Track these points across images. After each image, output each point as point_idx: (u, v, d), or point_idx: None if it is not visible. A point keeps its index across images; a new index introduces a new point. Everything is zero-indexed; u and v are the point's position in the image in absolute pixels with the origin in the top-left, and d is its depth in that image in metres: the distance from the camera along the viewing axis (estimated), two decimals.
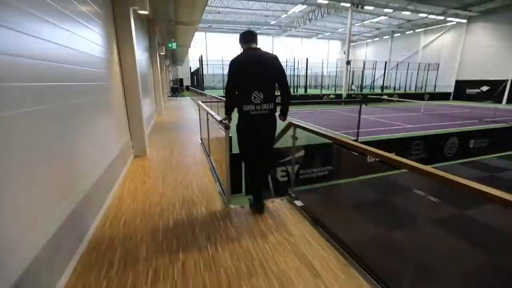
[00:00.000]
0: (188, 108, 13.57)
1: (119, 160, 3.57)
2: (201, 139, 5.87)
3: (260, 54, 2.30)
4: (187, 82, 34.03)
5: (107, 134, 3.16)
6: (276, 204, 2.83)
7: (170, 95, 22.43)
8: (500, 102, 25.65)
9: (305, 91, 25.68)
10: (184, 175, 3.70)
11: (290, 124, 2.77)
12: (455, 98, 29.55)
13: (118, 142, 3.62)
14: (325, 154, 6.21)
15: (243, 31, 2.41)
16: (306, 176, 6.09)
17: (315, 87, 33.85)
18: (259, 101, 2.27)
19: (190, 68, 32.20)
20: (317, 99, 24.06)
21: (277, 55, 2.40)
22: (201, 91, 14.85)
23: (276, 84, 2.40)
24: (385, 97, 25.38)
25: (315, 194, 5.70)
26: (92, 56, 2.92)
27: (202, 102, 5.47)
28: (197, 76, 23.90)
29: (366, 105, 24.74)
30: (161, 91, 11.88)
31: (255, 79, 2.25)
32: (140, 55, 6.62)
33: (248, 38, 2.34)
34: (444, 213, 5.03)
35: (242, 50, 2.43)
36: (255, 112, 2.29)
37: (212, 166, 4.03)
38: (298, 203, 2.82)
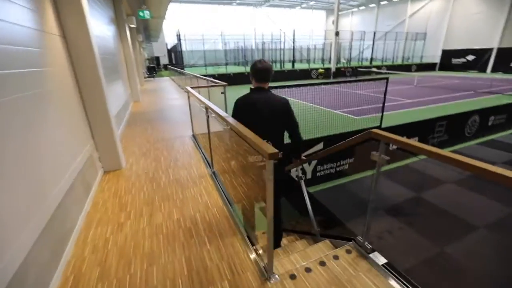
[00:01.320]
0: (169, 91, 11.89)
1: (77, 191, 2.28)
2: (193, 135, 4.57)
3: (268, 97, 2.02)
4: (164, 60, 31.23)
5: (48, 157, 1.85)
6: (343, 263, 1.73)
7: (146, 75, 20.20)
8: (484, 71, 25.61)
9: (293, 66, 24.15)
10: (182, 205, 2.48)
11: (372, 135, 1.58)
12: (441, 68, 29.26)
13: (73, 162, 2.30)
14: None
15: (258, 61, 2.01)
16: (324, 172, 5.05)
17: (301, 61, 32.22)
18: None
19: (167, 44, 29.34)
20: (306, 75, 22.75)
21: (287, 101, 2.07)
22: (182, 70, 13.05)
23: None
24: (374, 69, 24.51)
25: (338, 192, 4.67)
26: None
27: (193, 88, 4.11)
28: (175, 53, 21.54)
29: (356, 77, 23.78)
30: (136, 72, 10.12)
31: (262, 127, 1.84)
32: (102, 26, 4.99)
33: (261, 76, 2.01)
34: (495, 211, 4.22)
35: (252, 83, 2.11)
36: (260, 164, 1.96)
37: (219, 185, 2.82)
38: (377, 257, 1.74)
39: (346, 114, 9.58)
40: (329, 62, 28.14)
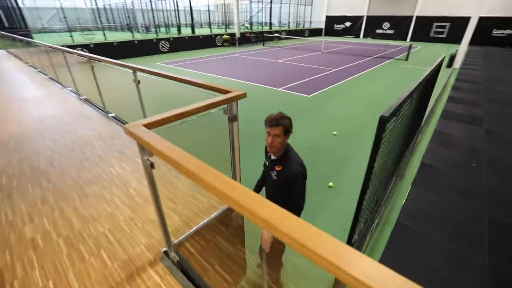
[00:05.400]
0: (18, 79, 6.66)
1: None
2: (167, 253, 1.62)
3: None
4: None
5: None
6: None
7: None
8: (358, 36, 29.41)
9: (193, 31, 20.15)
10: None
11: None
12: (326, 33, 31.82)
13: None
14: None
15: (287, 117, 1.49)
16: None
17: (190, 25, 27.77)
18: None
19: None
20: (210, 42, 19.51)
21: None
22: (28, 39, 7.61)
23: None
24: (276, 34, 23.83)
25: None
26: None
27: (152, 125, 1.14)
28: (7, 10, 13.49)
29: (263, 45, 22.35)
30: None
31: None
32: None
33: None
34: None
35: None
36: None
37: None
38: None
39: (295, 93, 7.80)
40: (228, 27, 25.45)
